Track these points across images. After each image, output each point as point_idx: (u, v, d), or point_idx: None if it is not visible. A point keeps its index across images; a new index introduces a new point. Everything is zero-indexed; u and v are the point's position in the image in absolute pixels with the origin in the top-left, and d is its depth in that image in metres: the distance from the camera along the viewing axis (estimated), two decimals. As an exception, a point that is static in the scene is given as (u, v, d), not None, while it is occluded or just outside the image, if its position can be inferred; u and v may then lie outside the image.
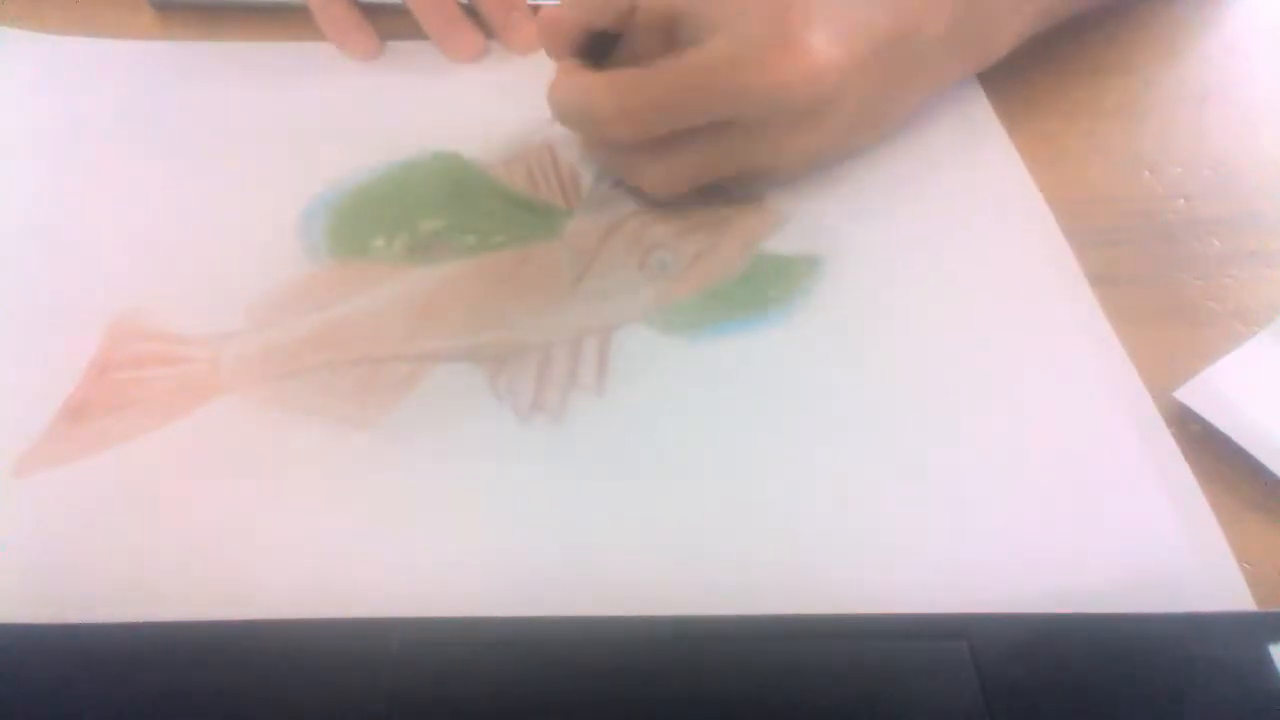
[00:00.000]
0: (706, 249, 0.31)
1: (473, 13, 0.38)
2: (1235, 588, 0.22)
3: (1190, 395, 0.26)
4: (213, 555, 0.24)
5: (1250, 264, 0.30)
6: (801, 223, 0.32)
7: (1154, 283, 0.30)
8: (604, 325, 0.29)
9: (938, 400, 0.27)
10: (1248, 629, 0.21)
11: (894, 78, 0.32)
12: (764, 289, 0.30)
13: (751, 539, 0.24)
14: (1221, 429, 0.25)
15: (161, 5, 0.41)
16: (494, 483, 0.25)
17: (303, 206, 0.33)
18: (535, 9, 0.36)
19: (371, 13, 0.39)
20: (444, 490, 0.25)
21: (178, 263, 0.31)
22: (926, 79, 0.34)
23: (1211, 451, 0.25)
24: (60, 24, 0.40)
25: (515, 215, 0.32)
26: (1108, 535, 0.24)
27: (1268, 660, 0.20)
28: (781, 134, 0.30)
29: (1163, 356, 0.27)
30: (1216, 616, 0.22)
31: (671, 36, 0.30)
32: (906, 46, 0.31)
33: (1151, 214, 0.32)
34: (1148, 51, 0.39)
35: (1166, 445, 0.25)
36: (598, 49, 0.32)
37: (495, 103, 0.36)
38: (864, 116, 0.32)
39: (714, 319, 0.29)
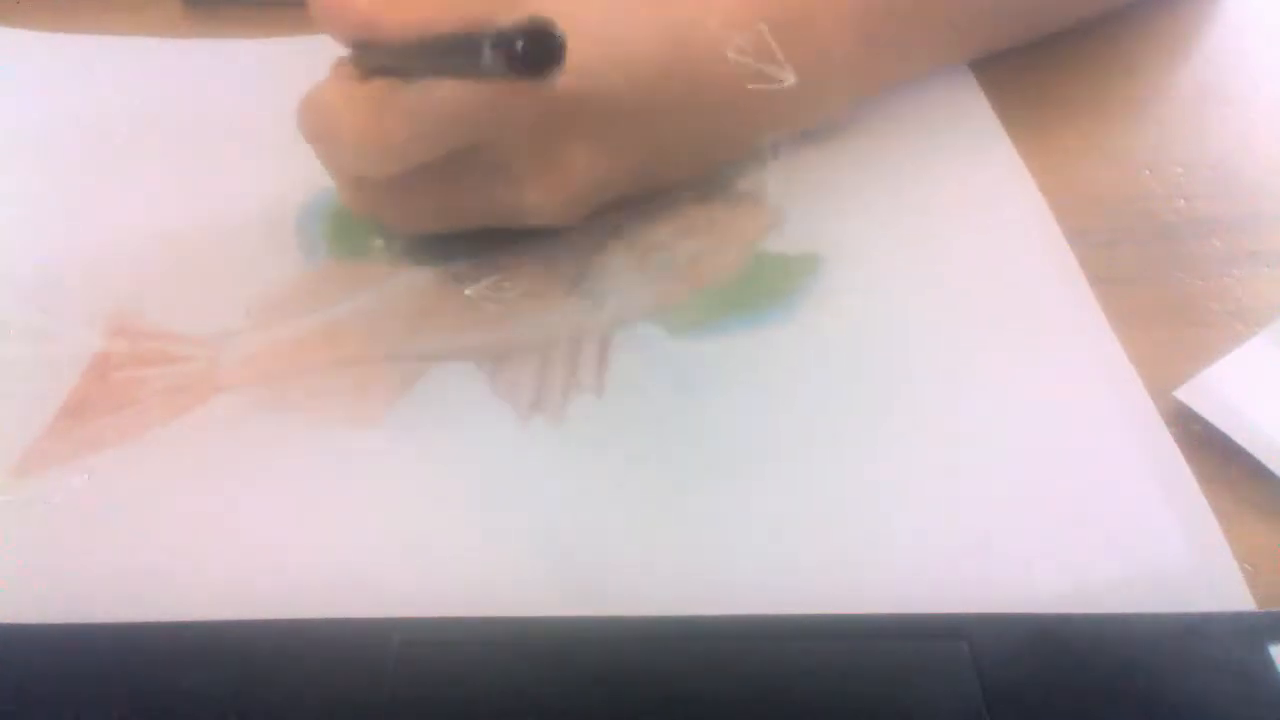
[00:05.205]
0: (706, 249, 0.31)
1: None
2: (1235, 588, 0.22)
3: (1190, 395, 0.26)
4: (212, 555, 0.24)
5: (1250, 264, 0.30)
6: (801, 222, 0.32)
7: (1154, 283, 0.30)
8: (604, 325, 0.29)
9: (937, 399, 0.27)
10: (1248, 629, 0.21)
11: (676, 152, 0.31)
12: (764, 288, 0.30)
13: (751, 538, 0.24)
14: (1221, 429, 0.25)
15: (192, 1, 0.41)
16: (494, 483, 0.25)
17: (303, 206, 0.33)
18: None
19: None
20: (443, 490, 0.25)
21: (177, 262, 0.31)
22: (730, 142, 0.33)
23: (1211, 451, 0.25)
24: (83, 18, 0.40)
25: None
26: (1108, 535, 0.24)
27: (1268, 660, 0.20)
28: (526, 174, 0.28)
29: (1163, 356, 0.27)
30: (1216, 616, 0.22)
31: None
32: (694, 128, 0.30)
33: (1151, 214, 0.32)
34: (1148, 51, 0.39)
35: (1166, 445, 0.25)
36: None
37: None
38: (635, 180, 0.31)
39: (714, 319, 0.29)
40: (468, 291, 0.30)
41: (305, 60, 0.39)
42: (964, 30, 0.36)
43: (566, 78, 0.22)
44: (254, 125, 0.36)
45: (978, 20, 0.36)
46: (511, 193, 0.29)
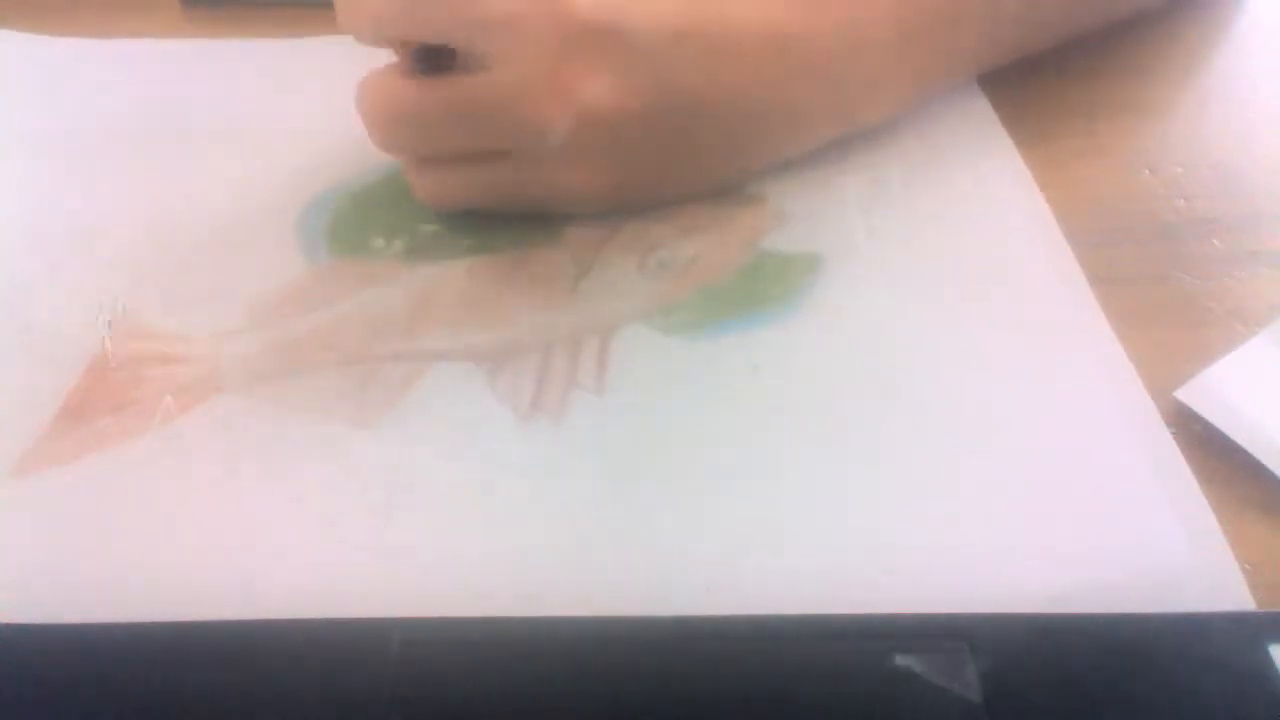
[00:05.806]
0: (706, 249, 0.31)
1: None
2: (1235, 588, 0.22)
3: (1190, 395, 0.26)
4: (212, 555, 0.24)
5: (1250, 264, 0.30)
6: (801, 222, 0.32)
7: (1154, 283, 0.30)
8: (604, 325, 0.29)
9: (937, 399, 0.27)
10: (1248, 629, 0.21)
11: (700, 138, 0.31)
12: (764, 288, 0.30)
13: (751, 539, 0.24)
14: (1221, 429, 0.25)
15: (191, 2, 0.41)
16: (494, 483, 0.25)
17: (303, 206, 0.33)
18: None
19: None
20: (444, 490, 0.25)
21: (178, 262, 0.31)
22: (755, 143, 0.32)
23: (1211, 451, 0.25)
24: (83, 19, 0.41)
25: (515, 218, 0.32)
26: (1108, 535, 0.24)
27: (1268, 660, 0.20)
28: (552, 171, 0.30)
29: (1163, 356, 0.27)
30: (1216, 616, 0.22)
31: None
32: (713, 110, 0.30)
33: (1151, 214, 0.32)
34: (1148, 52, 0.39)
35: (1166, 445, 0.25)
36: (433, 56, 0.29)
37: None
38: (657, 170, 0.31)
39: (714, 318, 0.29)
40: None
41: (305, 61, 0.39)
42: (997, 39, 0.35)
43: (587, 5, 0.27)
44: (254, 125, 0.36)
45: (1014, 27, 0.35)
46: (517, 111, 0.29)
